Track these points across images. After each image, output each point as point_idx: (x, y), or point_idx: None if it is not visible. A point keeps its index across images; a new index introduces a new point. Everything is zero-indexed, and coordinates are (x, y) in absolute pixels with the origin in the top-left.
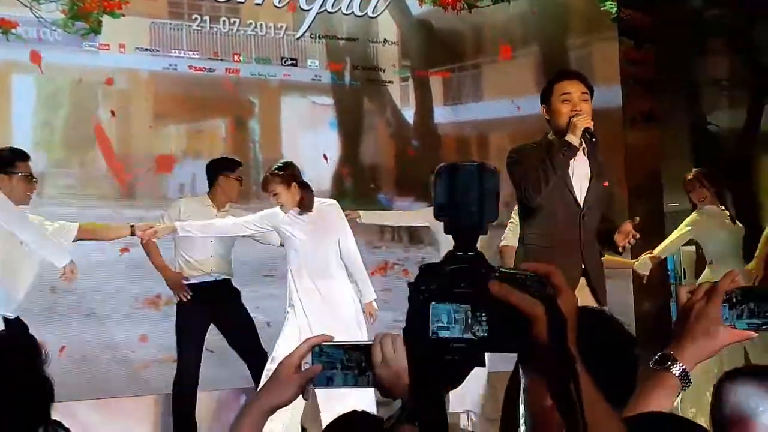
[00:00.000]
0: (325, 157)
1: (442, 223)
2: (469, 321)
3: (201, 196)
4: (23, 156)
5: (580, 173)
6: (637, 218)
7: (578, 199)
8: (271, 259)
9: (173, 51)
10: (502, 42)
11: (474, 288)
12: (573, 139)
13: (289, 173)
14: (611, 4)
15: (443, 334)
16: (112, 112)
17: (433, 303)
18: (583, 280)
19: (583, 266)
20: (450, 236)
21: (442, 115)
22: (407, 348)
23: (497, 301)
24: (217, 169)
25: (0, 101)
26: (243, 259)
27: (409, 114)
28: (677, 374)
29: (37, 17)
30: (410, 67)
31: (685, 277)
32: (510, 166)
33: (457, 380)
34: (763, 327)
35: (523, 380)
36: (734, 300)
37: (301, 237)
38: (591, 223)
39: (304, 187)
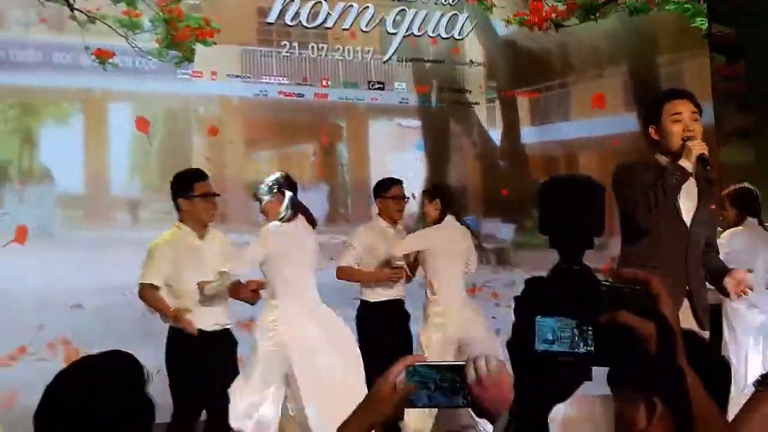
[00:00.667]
0: (413, 196)
1: (436, 245)
2: (575, 336)
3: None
4: (201, 176)
5: (688, 194)
6: (753, 270)
7: (685, 221)
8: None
9: (263, 77)
10: (595, 93)
11: (580, 302)
12: (687, 164)
13: (278, 184)
14: (702, 21)
15: (549, 348)
16: (207, 159)
17: (539, 317)
18: (686, 302)
19: (687, 288)
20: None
21: (529, 135)
22: (512, 362)
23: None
24: (375, 192)
25: (98, 129)
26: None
27: (496, 135)
28: None
29: (132, 47)
30: (496, 88)
31: None
32: (616, 184)
33: (564, 395)
34: None
35: (615, 404)
36: None
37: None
38: (697, 245)
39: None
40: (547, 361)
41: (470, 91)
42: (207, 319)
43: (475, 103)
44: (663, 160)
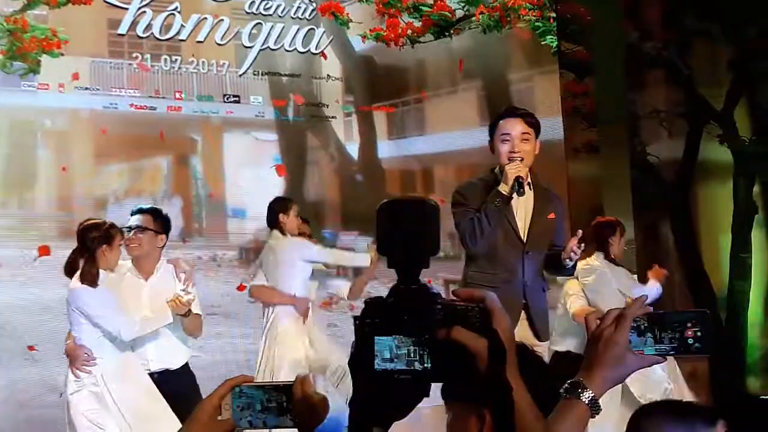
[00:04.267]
0: None
1: None
2: (412, 353)
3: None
4: None
5: (523, 208)
6: (580, 231)
7: (521, 236)
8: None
9: (114, 90)
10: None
11: (417, 320)
12: (505, 188)
13: None
14: (552, 39)
15: (387, 366)
16: (63, 168)
17: (377, 336)
18: (523, 314)
19: (524, 301)
20: None
21: (386, 149)
22: (353, 380)
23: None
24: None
25: None
26: None
27: (353, 149)
28: (587, 402)
29: None
30: (354, 103)
31: None
32: (453, 206)
33: (404, 411)
34: (671, 352)
35: (447, 416)
36: (642, 327)
37: None
38: (535, 259)
39: None
40: (386, 379)
41: (327, 106)
42: None
43: (333, 117)
44: (500, 175)
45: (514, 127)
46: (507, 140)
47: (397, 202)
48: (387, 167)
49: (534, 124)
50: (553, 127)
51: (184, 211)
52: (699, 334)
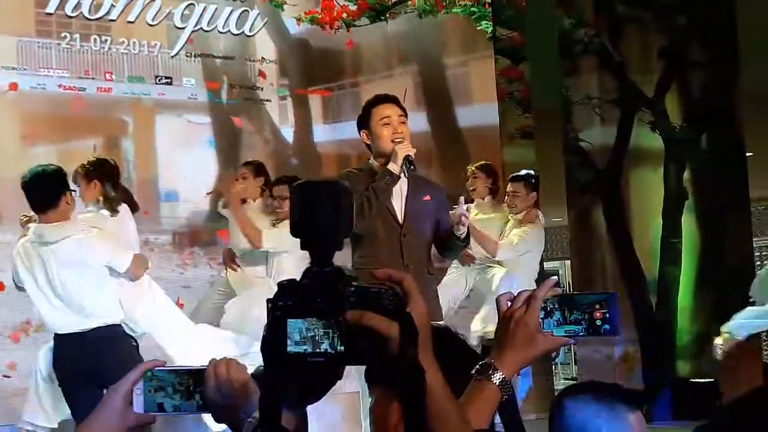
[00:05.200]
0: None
1: None
2: (324, 336)
3: None
4: None
5: (398, 191)
6: (462, 197)
7: (398, 218)
8: None
9: (42, 70)
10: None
11: (330, 303)
12: (394, 167)
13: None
14: (487, 24)
15: (299, 349)
16: None
17: (290, 319)
18: None
19: None
20: None
21: (321, 133)
22: (265, 362)
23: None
24: None
25: None
26: None
27: (288, 133)
28: (497, 383)
29: None
30: (288, 86)
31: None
32: None
33: (317, 395)
34: (581, 334)
35: (370, 399)
36: (551, 308)
37: None
38: (415, 241)
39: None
40: (298, 362)
41: (262, 89)
42: None
43: (267, 101)
44: (376, 163)
45: (391, 110)
46: (387, 123)
47: (309, 184)
48: (322, 151)
49: (404, 109)
50: (488, 112)
51: None
52: (607, 315)
